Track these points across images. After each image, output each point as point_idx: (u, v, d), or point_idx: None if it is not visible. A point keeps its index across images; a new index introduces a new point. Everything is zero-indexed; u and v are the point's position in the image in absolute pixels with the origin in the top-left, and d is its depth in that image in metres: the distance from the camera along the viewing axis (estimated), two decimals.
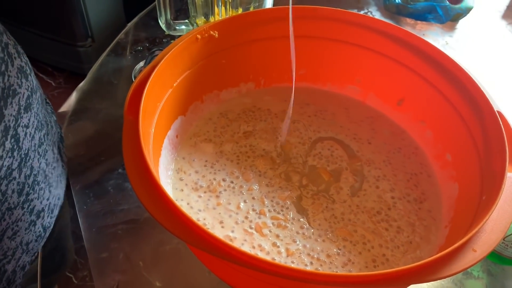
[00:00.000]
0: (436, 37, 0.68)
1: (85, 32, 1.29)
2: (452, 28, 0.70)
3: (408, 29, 0.69)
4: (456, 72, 0.44)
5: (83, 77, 0.61)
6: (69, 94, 0.59)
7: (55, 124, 0.51)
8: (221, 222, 0.41)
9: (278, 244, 0.40)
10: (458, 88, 0.44)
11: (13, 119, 0.39)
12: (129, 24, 0.67)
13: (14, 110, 0.39)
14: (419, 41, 0.46)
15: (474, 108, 0.42)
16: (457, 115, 0.44)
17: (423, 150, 0.48)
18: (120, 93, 0.58)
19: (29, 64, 0.44)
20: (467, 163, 0.42)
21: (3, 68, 0.37)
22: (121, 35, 0.65)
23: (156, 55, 0.44)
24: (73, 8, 1.25)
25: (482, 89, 0.41)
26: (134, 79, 0.56)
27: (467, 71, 0.42)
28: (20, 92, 0.40)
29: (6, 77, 0.38)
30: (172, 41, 0.63)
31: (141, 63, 0.55)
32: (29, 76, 0.43)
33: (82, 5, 1.24)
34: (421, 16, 0.69)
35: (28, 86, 0.42)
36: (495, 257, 0.46)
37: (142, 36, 0.65)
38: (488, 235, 0.32)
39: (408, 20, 0.70)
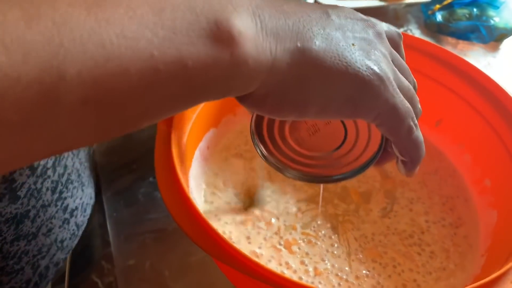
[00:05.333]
0: (478, 58, 0.66)
1: None
2: (495, 49, 0.67)
3: (449, 48, 0.67)
4: (498, 94, 0.42)
5: None
6: None
7: None
8: (248, 238, 0.40)
9: (306, 262, 0.39)
10: (500, 111, 0.42)
11: None
12: None
13: None
14: (460, 62, 0.45)
15: None
16: (498, 139, 0.42)
17: (461, 173, 0.46)
18: None
19: None
20: (507, 190, 0.40)
21: None
22: None
23: None
24: None
25: None
26: None
27: (510, 94, 0.41)
28: None
29: None
30: None
31: None
32: None
33: None
34: (463, 35, 0.67)
35: None
36: None
37: None
38: None
39: (450, 39, 0.68)
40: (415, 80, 0.27)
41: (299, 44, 0.21)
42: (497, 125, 0.42)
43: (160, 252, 0.46)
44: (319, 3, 0.39)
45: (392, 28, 0.27)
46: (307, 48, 0.21)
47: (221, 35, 0.19)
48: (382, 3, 0.68)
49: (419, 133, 0.25)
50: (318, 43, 0.21)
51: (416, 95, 0.26)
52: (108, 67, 0.17)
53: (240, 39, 0.19)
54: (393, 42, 0.26)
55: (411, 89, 0.25)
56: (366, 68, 0.22)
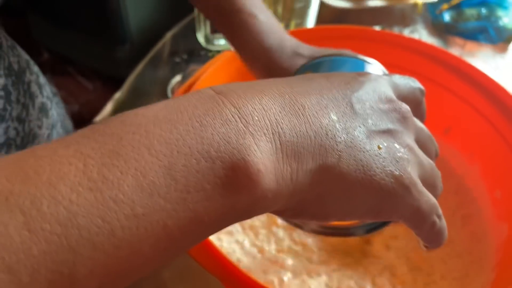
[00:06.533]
0: (486, 59, 0.64)
1: (124, 36, 1.31)
2: (504, 50, 0.66)
3: (457, 49, 0.66)
4: (508, 102, 0.41)
5: (120, 81, 0.61)
6: (106, 97, 0.59)
7: None
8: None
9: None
10: (510, 119, 0.41)
11: None
12: (167, 35, 0.66)
13: None
14: (469, 68, 0.43)
15: None
16: (509, 149, 0.40)
17: (470, 183, 0.45)
18: None
19: (51, 93, 0.42)
20: None
21: (23, 114, 0.36)
22: (159, 45, 0.65)
23: (194, 70, 0.43)
24: (114, 12, 1.26)
25: None
26: (169, 93, 0.55)
27: None
28: (40, 134, 0.39)
29: (27, 123, 0.36)
30: (209, 53, 0.63)
31: (177, 77, 0.54)
32: (49, 111, 0.41)
33: (123, 10, 1.26)
34: (472, 36, 0.66)
35: (49, 124, 0.40)
36: None
37: (180, 48, 0.64)
38: None
39: (457, 39, 0.67)
40: (436, 144, 0.25)
41: (321, 162, 0.19)
42: (507, 134, 0.41)
43: None
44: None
45: (414, 86, 0.25)
46: (331, 165, 0.20)
47: (239, 181, 0.17)
48: (388, 3, 0.66)
49: (442, 224, 0.23)
50: (342, 156, 0.20)
51: (438, 171, 0.24)
52: (120, 255, 0.15)
53: (259, 177, 0.18)
54: (415, 101, 0.25)
55: (434, 171, 0.23)
56: (392, 178, 0.21)
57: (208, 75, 0.40)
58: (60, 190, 0.15)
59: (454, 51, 0.65)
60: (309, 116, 0.20)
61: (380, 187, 0.20)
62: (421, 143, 0.23)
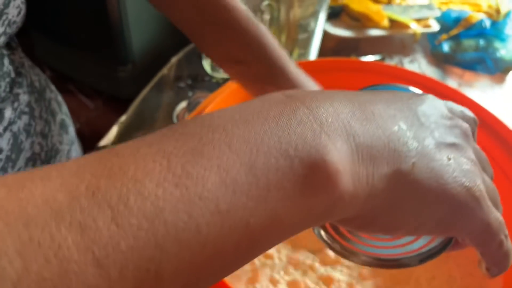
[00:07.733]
0: (484, 89, 0.66)
1: (126, 56, 1.32)
2: (501, 80, 0.67)
3: (455, 79, 0.67)
4: (505, 134, 0.42)
5: (121, 101, 0.62)
6: (107, 116, 0.59)
7: None
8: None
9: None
10: (507, 150, 0.41)
11: None
12: (172, 60, 0.68)
13: None
14: (466, 100, 0.44)
15: None
16: (507, 180, 0.41)
17: None
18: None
19: (68, 113, 0.44)
20: None
21: (46, 130, 0.37)
22: (164, 70, 0.66)
23: (199, 97, 0.44)
24: (117, 33, 1.28)
25: None
26: (175, 119, 0.56)
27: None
28: (61, 149, 0.40)
29: (49, 139, 0.37)
30: (213, 79, 0.64)
31: (183, 103, 0.56)
32: (69, 128, 0.42)
33: (126, 31, 1.27)
34: (470, 66, 0.67)
35: (68, 140, 0.41)
36: None
37: (184, 73, 0.66)
38: None
39: (456, 69, 0.68)
40: (492, 168, 0.25)
41: (396, 168, 0.19)
42: (504, 165, 0.42)
43: None
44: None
45: (469, 114, 0.24)
46: (405, 171, 0.19)
47: (318, 180, 0.17)
48: (388, 33, 0.68)
49: (509, 245, 0.22)
50: (416, 163, 0.19)
51: (498, 192, 0.23)
52: (205, 253, 0.15)
53: (337, 177, 0.17)
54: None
55: (495, 189, 0.23)
56: (463, 188, 0.20)
57: (214, 105, 0.41)
58: (146, 185, 0.15)
59: (453, 80, 0.67)
60: (380, 122, 0.20)
61: (452, 196, 0.20)
62: (480, 164, 0.23)
